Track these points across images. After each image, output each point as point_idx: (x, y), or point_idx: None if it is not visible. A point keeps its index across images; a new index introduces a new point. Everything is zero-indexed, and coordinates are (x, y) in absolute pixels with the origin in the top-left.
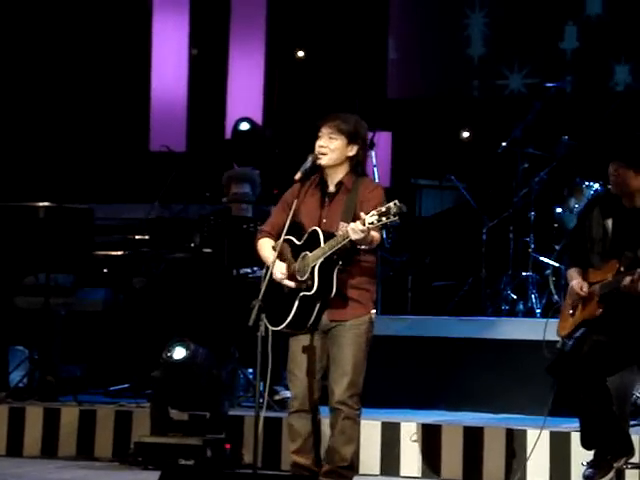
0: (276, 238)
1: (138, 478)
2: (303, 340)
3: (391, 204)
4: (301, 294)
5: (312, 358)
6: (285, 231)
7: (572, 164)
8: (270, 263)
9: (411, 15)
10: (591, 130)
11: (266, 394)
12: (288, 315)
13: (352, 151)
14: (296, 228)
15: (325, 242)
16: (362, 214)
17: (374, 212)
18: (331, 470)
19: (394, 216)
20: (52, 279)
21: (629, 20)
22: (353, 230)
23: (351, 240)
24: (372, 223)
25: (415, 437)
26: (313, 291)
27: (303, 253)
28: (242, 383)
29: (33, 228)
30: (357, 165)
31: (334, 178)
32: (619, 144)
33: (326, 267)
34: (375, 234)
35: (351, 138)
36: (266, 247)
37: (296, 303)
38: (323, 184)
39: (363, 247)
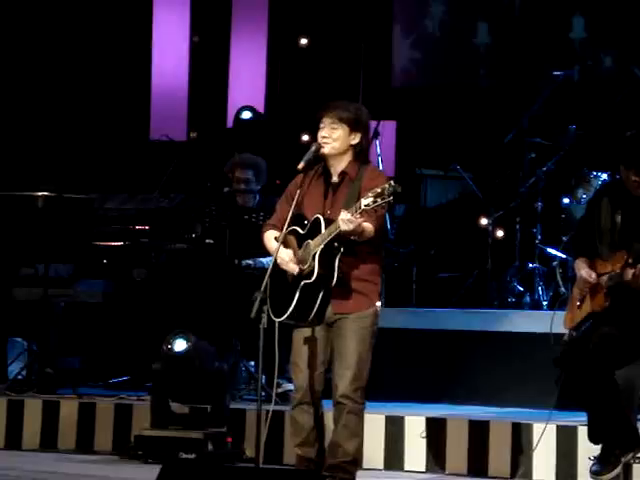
0: (282, 231)
1: (138, 472)
2: (307, 332)
3: (386, 185)
4: (302, 282)
5: (316, 351)
6: (288, 222)
7: (579, 154)
8: (272, 253)
9: (416, 1)
10: (599, 119)
11: (275, 387)
12: (290, 305)
13: (355, 139)
14: (301, 220)
15: (326, 229)
16: (361, 200)
17: (369, 194)
18: (334, 465)
19: (388, 196)
20: (51, 270)
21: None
22: (342, 221)
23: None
24: (368, 205)
25: (424, 434)
26: (313, 278)
27: (306, 242)
28: (244, 376)
29: (32, 218)
30: (360, 153)
31: (337, 167)
32: (634, 149)
33: (327, 254)
34: (367, 225)
35: (353, 126)
36: (271, 239)
37: (298, 292)
38: (327, 174)
39: (353, 238)
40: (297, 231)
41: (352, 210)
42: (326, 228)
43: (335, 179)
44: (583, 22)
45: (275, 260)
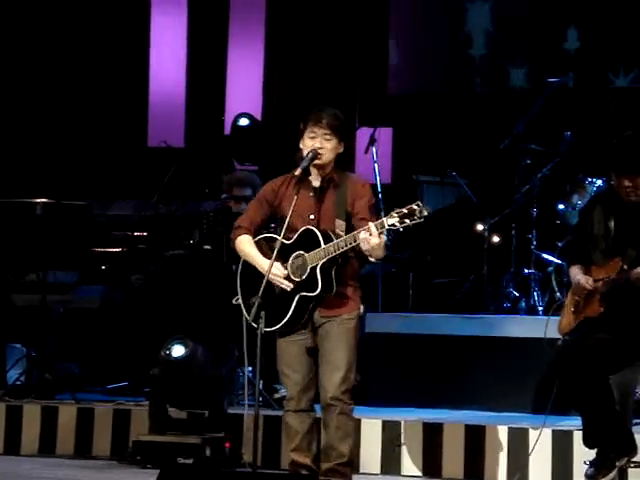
0: (254, 235)
1: (136, 477)
2: (292, 339)
3: (414, 206)
4: (301, 294)
5: (303, 357)
6: (285, 229)
7: (575, 160)
8: (254, 260)
9: (412, 10)
10: (594, 126)
11: (246, 391)
12: (284, 316)
13: (341, 148)
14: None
15: (325, 242)
16: (384, 219)
17: (393, 213)
18: (330, 468)
19: (419, 219)
20: (50, 276)
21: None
22: (366, 240)
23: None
24: (394, 225)
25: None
26: (317, 292)
27: (297, 252)
28: (241, 381)
29: (30, 225)
30: (341, 160)
31: (322, 174)
32: (624, 155)
33: (327, 268)
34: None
35: (342, 136)
36: (247, 244)
37: (294, 304)
38: (308, 181)
39: (367, 254)
40: (276, 239)
41: (375, 230)
42: (325, 241)
43: (320, 185)
44: (576, 34)
45: (267, 271)
